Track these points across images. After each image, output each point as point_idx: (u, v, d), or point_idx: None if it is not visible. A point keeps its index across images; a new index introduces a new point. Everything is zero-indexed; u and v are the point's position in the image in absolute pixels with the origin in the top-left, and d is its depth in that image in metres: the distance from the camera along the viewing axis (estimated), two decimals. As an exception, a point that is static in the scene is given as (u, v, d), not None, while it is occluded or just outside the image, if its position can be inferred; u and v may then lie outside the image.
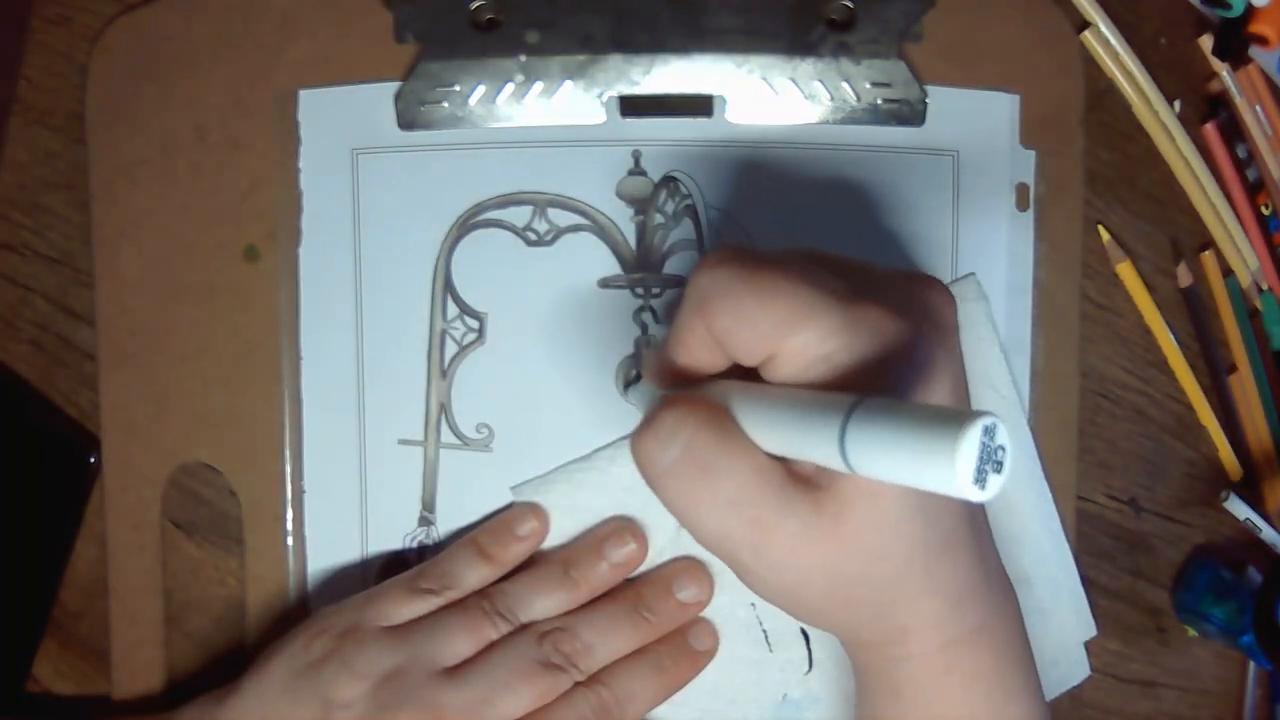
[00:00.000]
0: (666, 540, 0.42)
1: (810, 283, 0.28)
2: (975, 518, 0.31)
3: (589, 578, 0.41)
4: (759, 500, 0.29)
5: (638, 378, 0.43)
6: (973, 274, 0.44)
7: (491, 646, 0.39)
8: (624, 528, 0.42)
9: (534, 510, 0.42)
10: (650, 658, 0.41)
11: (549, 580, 0.41)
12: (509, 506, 0.43)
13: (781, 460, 0.29)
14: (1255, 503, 0.48)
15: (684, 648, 0.42)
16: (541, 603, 0.40)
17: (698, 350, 0.31)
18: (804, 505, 0.29)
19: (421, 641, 0.39)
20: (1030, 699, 0.33)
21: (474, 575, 0.41)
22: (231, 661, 0.44)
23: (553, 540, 0.42)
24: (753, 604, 0.43)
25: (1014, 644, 0.33)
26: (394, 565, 0.43)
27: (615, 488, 0.42)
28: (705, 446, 0.29)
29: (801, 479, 0.29)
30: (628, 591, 0.42)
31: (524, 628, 0.40)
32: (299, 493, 0.43)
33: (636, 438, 0.30)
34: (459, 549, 0.41)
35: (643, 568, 0.42)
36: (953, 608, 0.31)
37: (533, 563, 0.42)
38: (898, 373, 0.28)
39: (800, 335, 0.28)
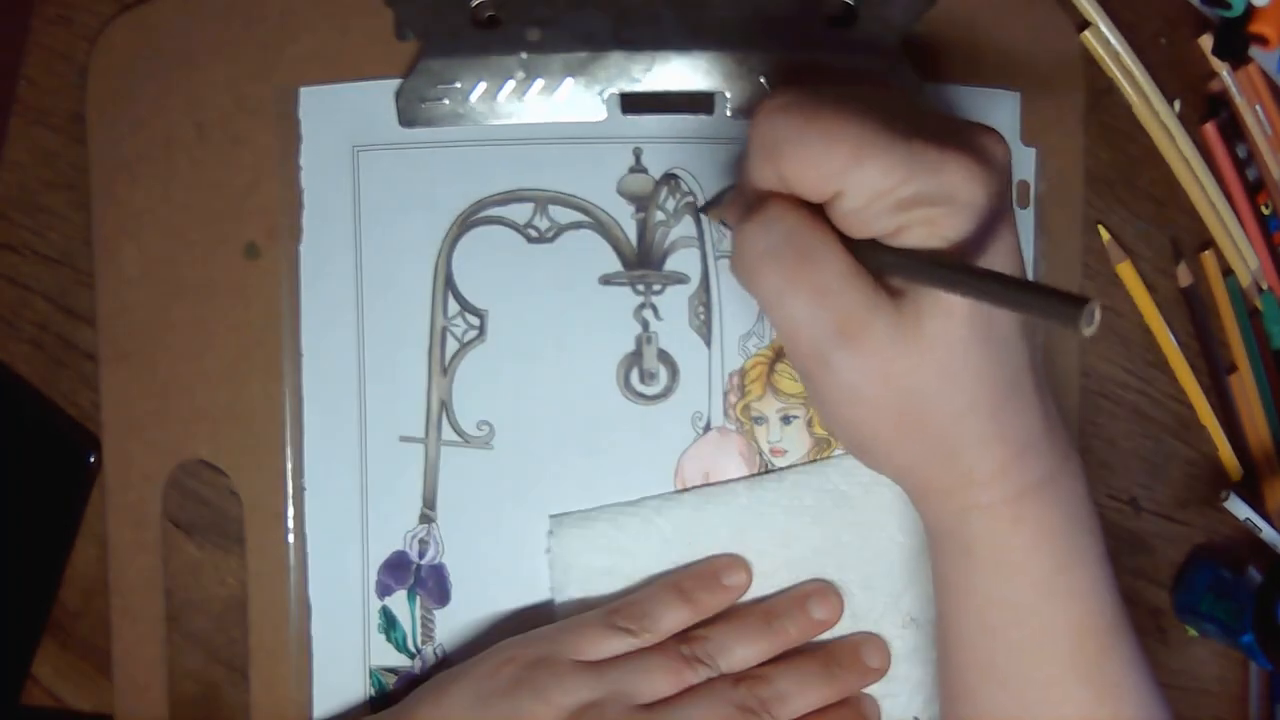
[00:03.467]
0: None
1: (870, 121, 0.29)
2: (1037, 373, 0.33)
3: (789, 630, 0.41)
4: (850, 290, 0.30)
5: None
6: None
7: (689, 690, 0.39)
8: (827, 588, 0.42)
9: (741, 563, 0.42)
10: (833, 717, 0.41)
11: (750, 630, 0.41)
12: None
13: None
14: (1255, 503, 0.48)
15: (858, 713, 0.42)
16: (741, 651, 0.40)
17: (768, 191, 0.32)
18: (887, 306, 0.31)
19: (620, 678, 0.38)
20: (1094, 563, 0.34)
21: (673, 618, 0.41)
22: (232, 662, 0.43)
23: (581, 576, 0.43)
24: None
25: (1078, 505, 0.34)
26: (396, 562, 0.43)
27: (655, 538, 0.43)
28: (805, 235, 0.31)
29: (884, 285, 0.31)
30: (818, 650, 0.42)
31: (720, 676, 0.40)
32: (299, 490, 0.43)
33: (741, 225, 0.32)
34: (660, 590, 0.41)
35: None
36: (1018, 456, 0.32)
37: (727, 611, 0.42)
38: (955, 203, 0.29)
39: (863, 172, 0.29)
